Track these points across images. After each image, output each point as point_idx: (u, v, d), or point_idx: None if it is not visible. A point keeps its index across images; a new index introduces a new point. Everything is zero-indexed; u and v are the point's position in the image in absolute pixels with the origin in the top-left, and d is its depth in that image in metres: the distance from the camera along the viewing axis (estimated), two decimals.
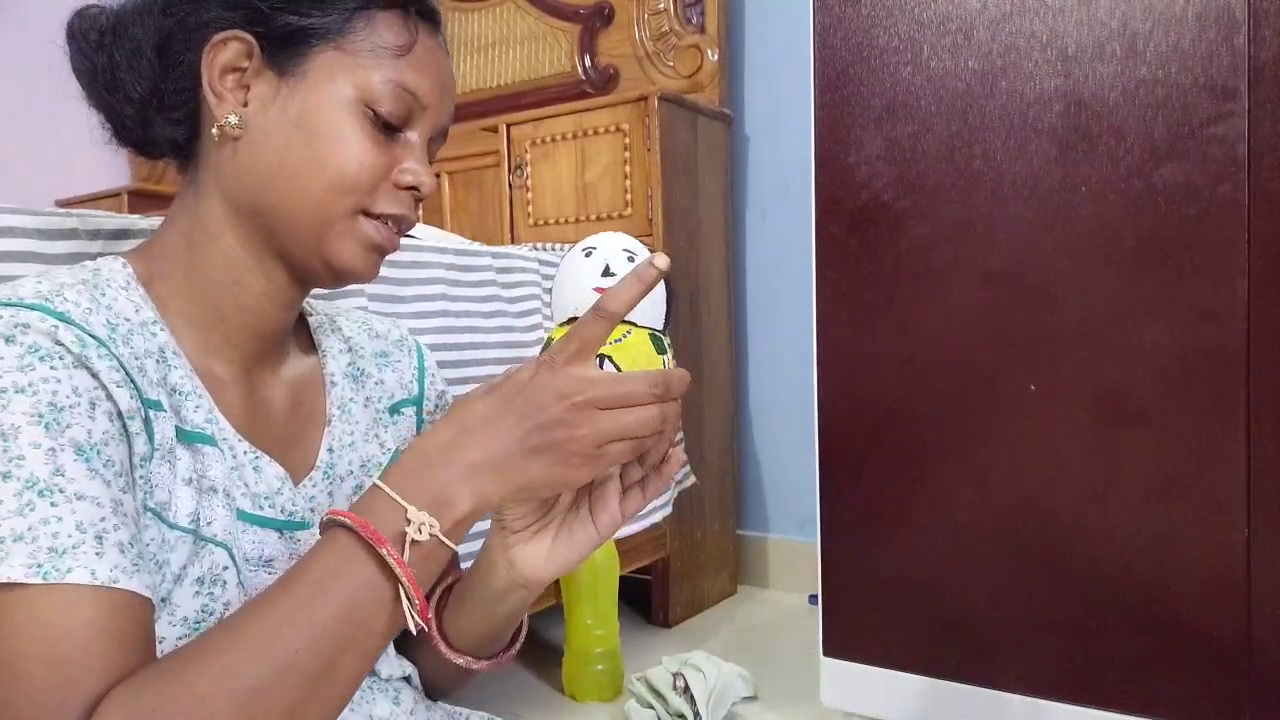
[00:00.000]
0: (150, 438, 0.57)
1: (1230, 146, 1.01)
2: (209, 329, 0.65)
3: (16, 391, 0.51)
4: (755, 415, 2.30)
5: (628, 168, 2.00)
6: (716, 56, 2.23)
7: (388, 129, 0.64)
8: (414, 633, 0.53)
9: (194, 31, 0.63)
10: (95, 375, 0.54)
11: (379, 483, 0.54)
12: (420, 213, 0.70)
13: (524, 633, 0.74)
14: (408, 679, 0.74)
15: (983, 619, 1.19)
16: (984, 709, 1.19)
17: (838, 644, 1.29)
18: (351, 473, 0.72)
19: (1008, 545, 1.17)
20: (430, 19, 0.66)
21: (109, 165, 3.58)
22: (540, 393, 0.54)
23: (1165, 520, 1.07)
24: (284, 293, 0.67)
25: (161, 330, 0.62)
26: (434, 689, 0.78)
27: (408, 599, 0.52)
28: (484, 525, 0.65)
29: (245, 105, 0.63)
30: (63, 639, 0.47)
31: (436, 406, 0.83)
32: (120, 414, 0.55)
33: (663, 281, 0.61)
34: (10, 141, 3.16)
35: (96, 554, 0.49)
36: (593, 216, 2.05)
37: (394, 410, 0.78)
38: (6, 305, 0.54)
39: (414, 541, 0.52)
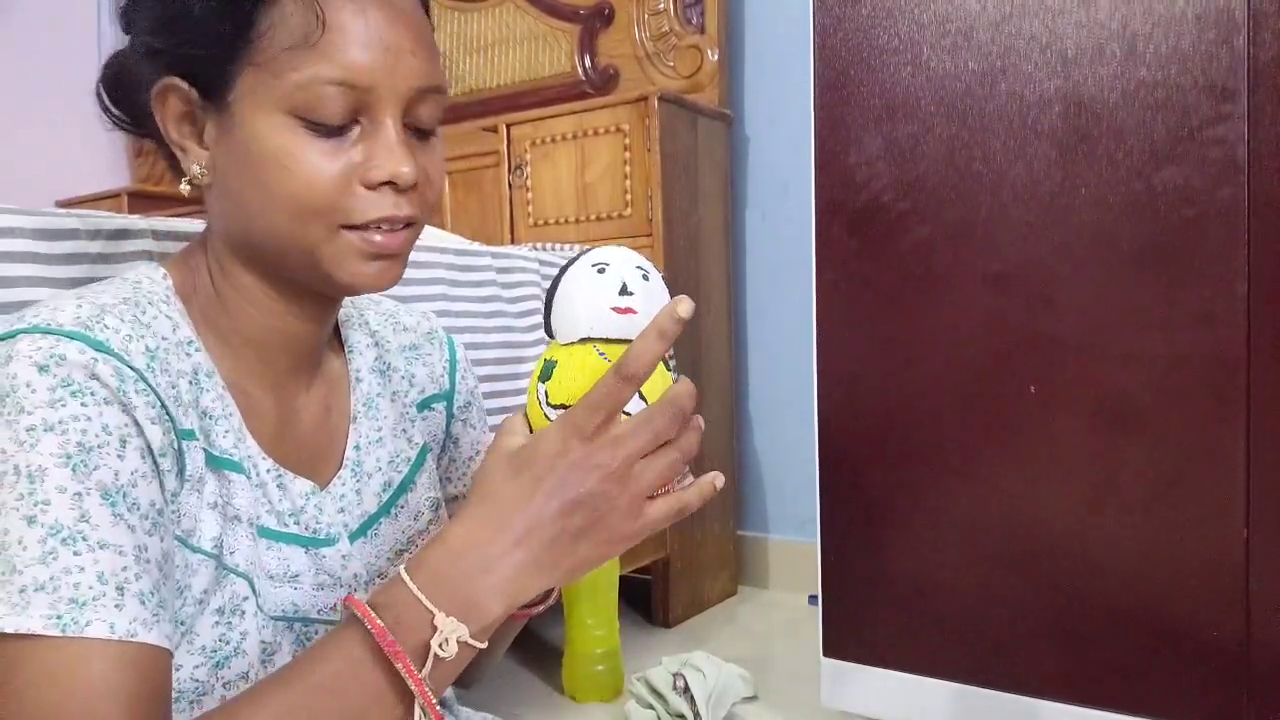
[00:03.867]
0: (181, 471, 0.56)
1: (1230, 148, 1.01)
2: (242, 347, 0.64)
3: (45, 430, 0.50)
4: (755, 415, 2.30)
5: (628, 168, 2.00)
6: (716, 56, 2.23)
7: (335, 131, 0.57)
8: None
9: (139, 88, 0.61)
10: (129, 411, 0.53)
11: (406, 578, 0.51)
12: (428, 196, 0.62)
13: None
14: None
15: (983, 619, 1.19)
16: (984, 709, 1.19)
17: (838, 644, 1.29)
18: (380, 469, 0.71)
19: (1008, 545, 1.17)
20: None
21: (109, 165, 3.58)
22: (575, 470, 0.51)
23: (1165, 521, 1.07)
24: (309, 310, 0.64)
25: (197, 350, 0.61)
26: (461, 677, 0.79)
27: (422, 711, 0.50)
28: None
29: (207, 149, 0.60)
30: (70, 698, 0.47)
31: (468, 403, 0.82)
32: (152, 451, 0.54)
33: (665, 292, 0.60)
34: (10, 141, 3.16)
35: (116, 606, 0.48)
36: (593, 217, 2.05)
37: (423, 405, 0.77)
38: (47, 333, 0.52)
39: (437, 656, 0.49)
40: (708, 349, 2.12)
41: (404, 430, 0.74)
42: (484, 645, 0.51)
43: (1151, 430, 1.07)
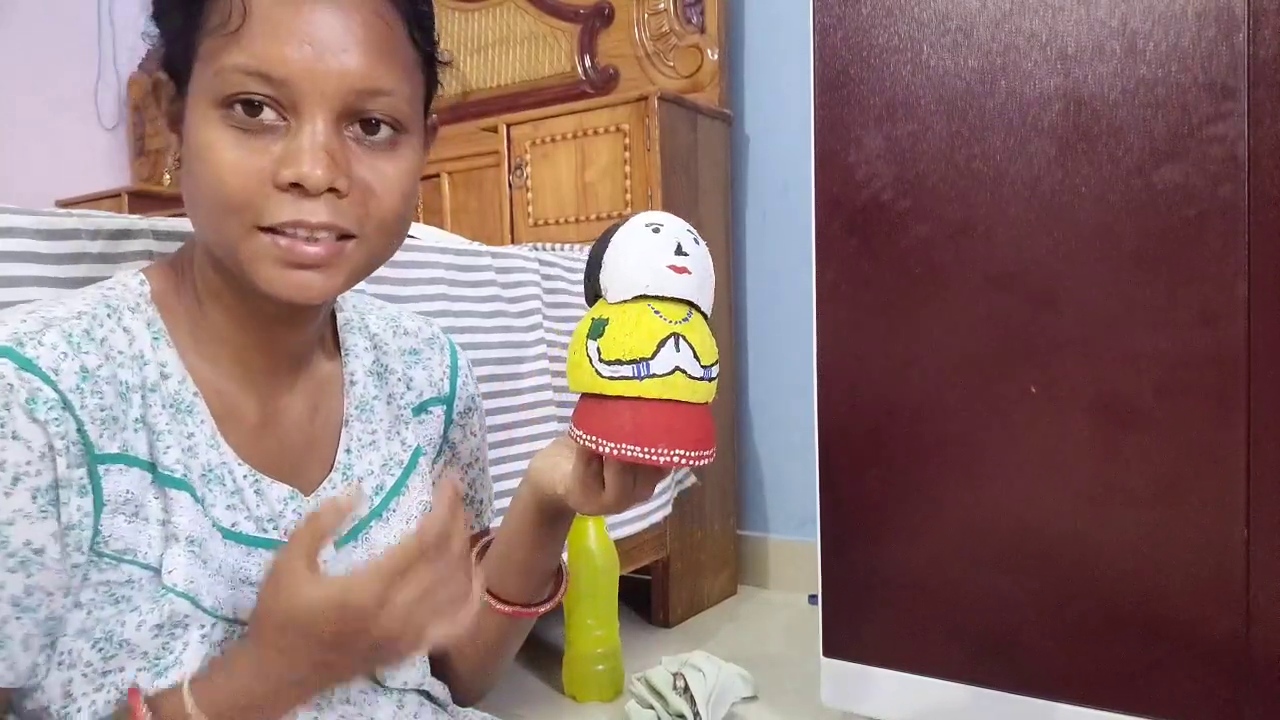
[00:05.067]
0: (97, 495, 0.56)
1: (1230, 146, 1.01)
2: (220, 347, 0.64)
3: None
4: (755, 415, 2.30)
5: (628, 168, 2.00)
6: (716, 56, 2.23)
7: (255, 126, 0.55)
8: None
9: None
10: (41, 438, 0.53)
11: (189, 692, 0.54)
12: (370, 209, 0.58)
13: (565, 580, 0.77)
14: (424, 692, 0.74)
15: (983, 619, 1.19)
16: (984, 709, 1.19)
17: (838, 644, 1.29)
18: (372, 472, 0.71)
19: (1008, 545, 1.17)
20: None
21: (109, 165, 3.58)
22: (314, 623, 0.52)
23: (1165, 521, 1.07)
24: (276, 312, 0.63)
25: (152, 360, 0.60)
26: (469, 688, 0.80)
27: None
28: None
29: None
30: None
31: (468, 409, 0.81)
32: (55, 484, 0.54)
33: (709, 259, 0.61)
34: (10, 141, 3.16)
35: None
36: (593, 216, 2.05)
37: (420, 409, 0.77)
38: None
39: None
40: None
41: (398, 433, 0.73)
42: None
43: (1152, 430, 1.07)
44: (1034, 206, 1.12)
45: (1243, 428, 1.02)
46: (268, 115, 0.55)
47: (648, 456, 0.57)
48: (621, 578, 1.67)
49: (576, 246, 1.81)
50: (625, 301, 0.58)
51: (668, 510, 1.85)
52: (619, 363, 0.56)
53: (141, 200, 3.07)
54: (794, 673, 1.63)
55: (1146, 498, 1.08)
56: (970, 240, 1.16)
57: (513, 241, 2.16)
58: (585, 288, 0.61)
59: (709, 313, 0.61)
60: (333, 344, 0.73)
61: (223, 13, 0.54)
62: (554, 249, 1.75)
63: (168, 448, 0.59)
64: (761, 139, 2.28)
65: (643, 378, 0.57)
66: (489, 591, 0.74)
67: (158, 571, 0.58)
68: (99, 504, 0.56)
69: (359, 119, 0.57)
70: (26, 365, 0.53)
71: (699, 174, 2.10)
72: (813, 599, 1.50)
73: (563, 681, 1.62)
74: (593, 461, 0.64)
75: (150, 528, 0.58)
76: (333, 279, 0.58)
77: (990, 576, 1.18)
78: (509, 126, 2.16)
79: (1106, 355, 1.09)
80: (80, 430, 0.55)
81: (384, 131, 0.58)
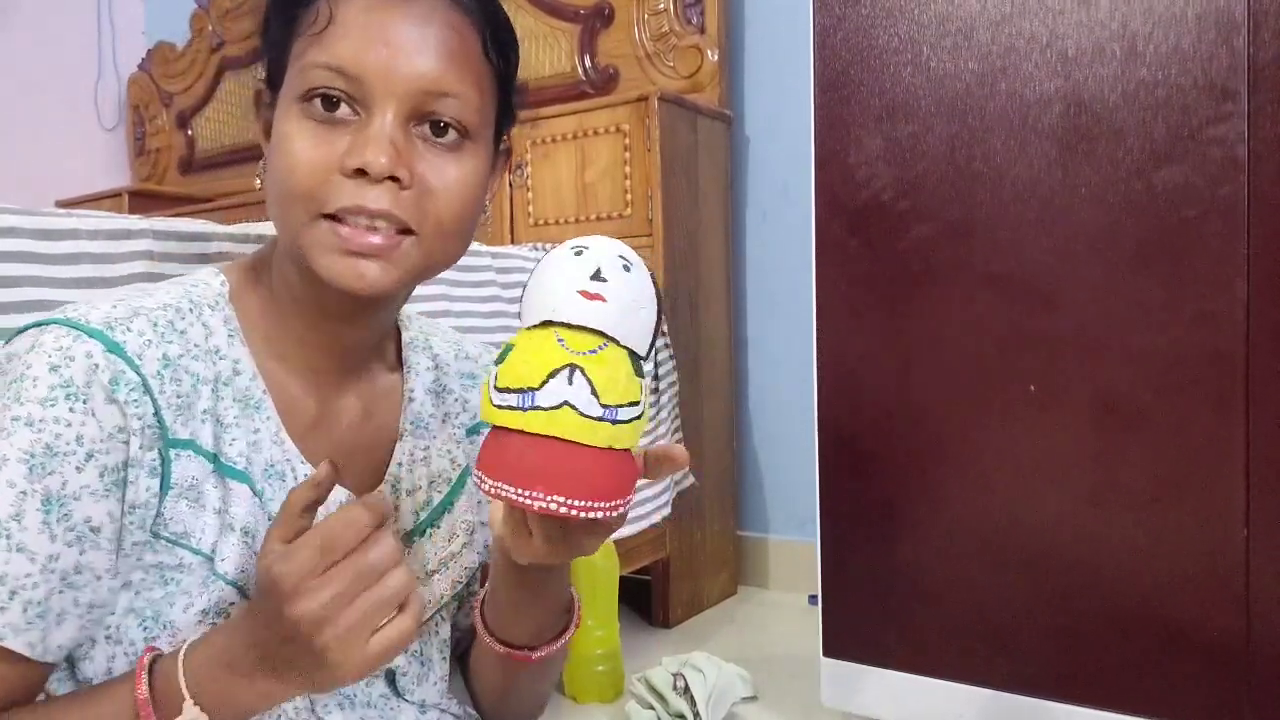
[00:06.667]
0: (165, 478, 0.59)
1: (1230, 148, 1.01)
2: (287, 343, 0.66)
3: (25, 424, 0.54)
4: (755, 415, 2.30)
5: (628, 168, 2.00)
6: (716, 56, 2.23)
7: (329, 119, 0.59)
8: None
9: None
10: (119, 417, 0.56)
11: (181, 658, 0.55)
12: (426, 206, 0.60)
13: (576, 618, 0.74)
14: (445, 711, 0.75)
15: (983, 619, 1.19)
16: (984, 709, 1.19)
17: (838, 644, 1.29)
18: (420, 487, 0.72)
19: (1007, 545, 1.17)
20: None
21: (109, 165, 3.58)
22: (260, 606, 0.53)
23: (1165, 520, 1.07)
24: (343, 309, 0.65)
25: (226, 356, 0.63)
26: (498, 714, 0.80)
27: None
28: None
29: None
30: None
31: None
32: (125, 464, 0.57)
33: (654, 301, 0.56)
34: (10, 141, 3.16)
35: (1, 607, 0.53)
36: (593, 216, 2.05)
37: (474, 430, 0.78)
38: (73, 328, 0.56)
39: None
40: (708, 349, 2.12)
41: (449, 451, 0.75)
42: None
43: (1151, 429, 1.07)
44: (1034, 208, 1.12)
45: (1242, 427, 1.02)
46: (343, 111, 0.59)
47: (520, 498, 0.51)
48: (621, 578, 1.67)
49: None
50: (533, 327, 0.53)
51: (667, 510, 1.85)
52: (507, 391, 0.52)
53: (141, 200, 3.07)
54: (794, 673, 1.63)
55: (1146, 498, 1.08)
56: (970, 241, 1.16)
57: (513, 241, 2.16)
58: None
59: (639, 349, 0.55)
60: (395, 359, 0.75)
61: (312, 17, 0.60)
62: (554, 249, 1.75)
63: (233, 440, 0.62)
64: (761, 139, 2.28)
65: (526, 409, 0.51)
66: (487, 628, 0.72)
67: (210, 558, 0.60)
68: (166, 486, 0.59)
69: (428, 120, 0.60)
70: (114, 348, 0.56)
71: (699, 174, 2.10)
72: (813, 599, 1.50)
73: (563, 682, 1.62)
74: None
75: (207, 515, 0.60)
76: (389, 272, 0.60)
77: (990, 576, 1.18)
78: None
79: (1106, 355, 1.09)
80: (157, 414, 0.58)
81: (450, 135, 0.61)
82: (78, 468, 0.55)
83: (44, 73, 3.33)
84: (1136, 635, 1.10)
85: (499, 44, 0.64)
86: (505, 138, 0.69)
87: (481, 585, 0.77)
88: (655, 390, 1.85)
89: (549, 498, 0.51)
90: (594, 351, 0.52)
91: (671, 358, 1.93)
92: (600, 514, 0.52)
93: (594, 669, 1.59)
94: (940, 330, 1.19)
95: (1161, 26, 1.04)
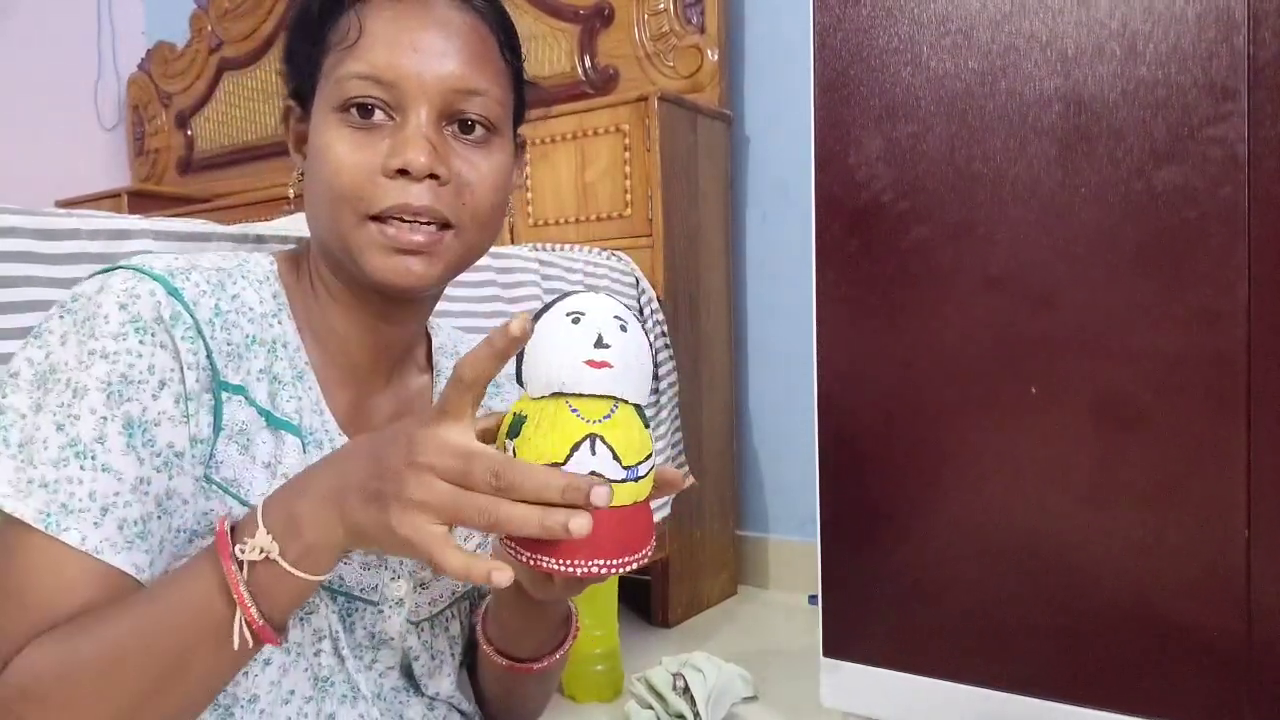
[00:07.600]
0: (217, 418, 0.61)
1: (1230, 148, 1.01)
2: (327, 336, 0.69)
3: (102, 356, 0.57)
4: (755, 415, 2.30)
5: (627, 168, 2.00)
6: (716, 56, 2.23)
7: (367, 125, 0.63)
8: (249, 644, 0.54)
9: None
10: (177, 355, 0.59)
11: (262, 501, 0.56)
12: (464, 200, 0.64)
13: (574, 628, 0.76)
14: (454, 707, 0.76)
15: (982, 619, 1.19)
16: (984, 709, 1.19)
17: (838, 644, 1.29)
18: None
19: (1008, 545, 1.17)
20: None
21: (109, 165, 3.58)
22: (389, 444, 0.52)
23: (1165, 521, 1.07)
24: (382, 309, 0.69)
25: (282, 325, 0.66)
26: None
27: (243, 610, 0.54)
28: None
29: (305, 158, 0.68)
30: (40, 588, 0.54)
31: None
32: (188, 397, 0.59)
33: (650, 352, 0.57)
34: (10, 141, 3.16)
35: (95, 524, 0.55)
36: (593, 217, 2.05)
37: None
38: (138, 271, 0.60)
39: (250, 561, 0.54)
40: (708, 349, 2.12)
41: None
42: (311, 576, 0.54)
43: (1152, 430, 1.07)
44: (1034, 207, 1.12)
45: (1243, 427, 1.02)
46: (379, 116, 0.63)
47: (563, 568, 0.52)
48: (621, 578, 1.67)
49: (576, 247, 1.81)
50: (543, 398, 0.53)
51: (667, 511, 1.85)
52: None
53: (141, 200, 3.07)
54: (794, 673, 1.63)
55: (1146, 498, 1.08)
56: (970, 241, 1.16)
57: (513, 241, 2.16)
58: (516, 374, 0.56)
59: (641, 399, 0.56)
60: (426, 362, 0.79)
61: (342, 31, 0.64)
62: (554, 249, 1.75)
63: (289, 398, 0.65)
64: (761, 139, 2.28)
65: None
66: (489, 642, 0.74)
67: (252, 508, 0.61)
68: (218, 427, 0.61)
69: (457, 119, 0.65)
70: (174, 293, 0.60)
71: (699, 174, 2.10)
72: (813, 599, 1.50)
73: (563, 682, 1.62)
74: None
75: (256, 469, 0.62)
76: (433, 266, 0.64)
77: (990, 576, 1.18)
78: None
79: (1106, 355, 1.09)
80: (209, 357, 0.61)
81: (478, 131, 0.66)
82: (154, 395, 0.58)
83: (44, 73, 3.33)
84: (1136, 635, 1.10)
85: (511, 45, 0.69)
86: (519, 131, 0.74)
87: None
88: (655, 390, 1.85)
89: (590, 563, 0.53)
90: (608, 417, 0.53)
91: (671, 358, 1.93)
92: (635, 564, 0.55)
93: (593, 669, 1.59)
94: (940, 330, 1.19)
95: (1161, 25, 1.04)
